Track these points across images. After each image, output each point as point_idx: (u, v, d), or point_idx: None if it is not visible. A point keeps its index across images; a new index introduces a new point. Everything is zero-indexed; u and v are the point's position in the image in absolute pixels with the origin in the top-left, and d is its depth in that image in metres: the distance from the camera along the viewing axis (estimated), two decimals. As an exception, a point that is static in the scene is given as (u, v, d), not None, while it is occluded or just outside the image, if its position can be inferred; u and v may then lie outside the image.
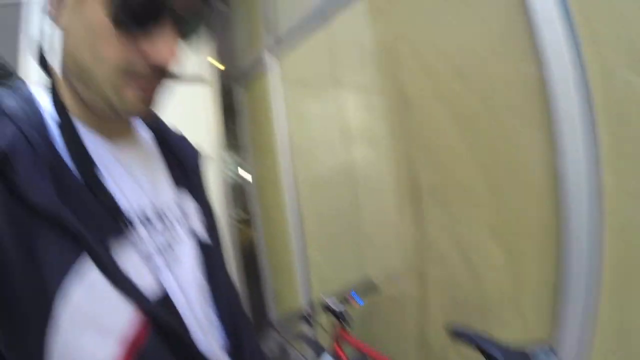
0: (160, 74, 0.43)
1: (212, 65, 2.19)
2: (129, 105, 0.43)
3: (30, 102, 0.45)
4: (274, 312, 2.47)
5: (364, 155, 1.44)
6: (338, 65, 1.47)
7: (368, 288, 1.37)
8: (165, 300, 0.43)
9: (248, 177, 2.57)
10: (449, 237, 1.09)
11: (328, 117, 1.62)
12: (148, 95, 0.44)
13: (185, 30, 0.43)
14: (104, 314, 0.37)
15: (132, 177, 0.49)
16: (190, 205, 0.56)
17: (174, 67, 0.43)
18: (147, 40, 0.41)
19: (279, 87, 1.87)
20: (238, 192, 2.91)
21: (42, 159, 0.39)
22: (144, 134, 0.57)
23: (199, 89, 2.11)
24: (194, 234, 0.53)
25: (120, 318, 0.38)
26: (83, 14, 0.41)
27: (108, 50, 0.40)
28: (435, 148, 1.09)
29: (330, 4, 1.35)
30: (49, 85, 0.46)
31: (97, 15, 0.40)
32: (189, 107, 2.03)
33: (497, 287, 0.96)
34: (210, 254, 0.54)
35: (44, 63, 0.47)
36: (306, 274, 1.93)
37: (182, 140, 0.64)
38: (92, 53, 0.41)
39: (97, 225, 0.40)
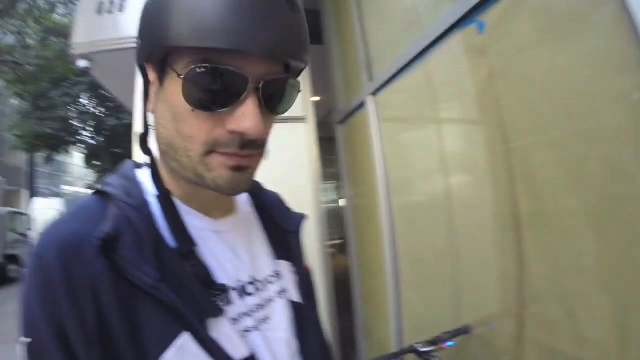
0: (247, 145, 0.42)
1: (309, 99, 2.37)
2: (218, 177, 0.43)
3: (132, 181, 0.49)
4: (362, 344, 2.45)
5: (461, 189, 1.40)
6: (434, 100, 1.48)
7: (460, 331, 1.29)
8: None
9: (344, 204, 2.66)
10: (550, 279, 0.99)
11: (424, 150, 1.63)
12: (237, 164, 0.43)
13: (268, 100, 0.43)
14: None
15: (233, 253, 0.51)
16: (285, 265, 0.58)
17: (260, 137, 0.43)
18: (229, 116, 0.41)
19: (375, 121, 1.94)
20: (334, 219, 3.01)
21: (144, 238, 0.42)
22: (244, 204, 0.59)
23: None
24: (286, 294, 0.55)
25: None
26: (166, 100, 0.43)
27: (191, 130, 0.42)
28: (537, 184, 1.01)
29: (425, 43, 1.38)
30: (149, 163, 0.49)
31: (177, 99, 0.41)
32: (288, 136, 2.22)
33: (601, 341, 0.84)
34: (301, 312, 0.55)
35: (143, 143, 0.49)
36: (398, 305, 1.90)
37: (281, 204, 0.66)
38: (178, 133, 0.43)
39: (196, 302, 0.42)
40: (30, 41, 11.25)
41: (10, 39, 11.58)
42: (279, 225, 0.61)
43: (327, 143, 2.65)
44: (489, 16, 1.04)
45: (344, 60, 2.47)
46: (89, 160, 16.93)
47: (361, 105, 2.09)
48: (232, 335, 0.45)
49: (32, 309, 0.39)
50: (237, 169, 0.43)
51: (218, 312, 0.44)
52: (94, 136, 14.89)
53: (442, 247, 1.50)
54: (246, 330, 0.48)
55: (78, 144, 15.54)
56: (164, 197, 0.47)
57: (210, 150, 0.42)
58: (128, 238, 0.41)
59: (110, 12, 2.65)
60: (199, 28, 0.37)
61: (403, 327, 1.86)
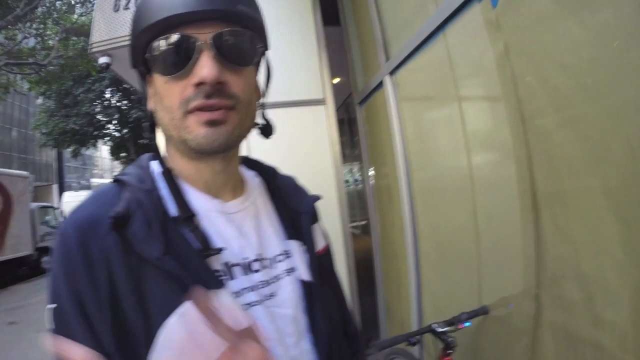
0: (213, 94, 0.47)
1: (327, 81, 2.35)
2: (194, 133, 0.47)
3: (145, 169, 0.54)
4: (383, 324, 2.49)
5: (480, 168, 1.37)
6: (451, 78, 1.43)
7: (478, 312, 1.29)
8: (249, 330, 0.45)
9: (366, 185, 2.66)
10: (568, 261, 0.96)
11: (443, 128, 1.60)
12: (209, 118, 0.47)
13: (225, 52, 0.47)
14: (195, 344, 0.43)
15: (239, 232, 0.54)
16: (296, 245, 0.59)
17: (226, 86, 0.47)
18: (193, 75, 0.47)
19: (394, 100, 1.91)
20: (357, 200, 3.02)
21: (153, 217, 0.47)
22: (256, 187, 0.62)
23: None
24: (295, 272, 0.57)
25: (209, 346, 0.42)
26: (155, 90, 0.51)
27: (169, 100, 0.48)
28: (556, 162, 0.98)
29: (440, 19, 1.34)
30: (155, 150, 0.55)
31: (158, 80, 0.50)
32: (307, 119, 2.23)
33: (618, 324, 0.81)
34: (311, 290, 0.57)
35: (148, 132, 0.56)
36: (418, 286, 1.91)
37: (294, 186, 0.67)
38: (165, 109, 0.49)
39: (198, 274, 0.46)
40: (50, 42, 11.47)
41: (31, 42, 11.74)
42: (290, 207, 0.62)
43: (350, 125, 2.63)
44: (503, -12, 0.99)
45: (360, 40, 2.42)
46: (115, 152, 17.50)
47: (379, 85, 2.06)
48: (232, 307, 0.47)
49: (56, 279, 0.46)
50: (211, 123, 0.47)
51: (218, 284, 0.47)
52: (119, 129, 15.36)
53: (461, 228, 1.48)
54: (249, 304, 0.50)
55: (104, 138, 16.04)
56: (166, 172, 0.53)
57: (185, 111, 0.47)
58: (138, 217, 0.46)
59: (126, 7, 2.69)
60: (148, 12, 0.48)
61: (423, 307, 1.87)
